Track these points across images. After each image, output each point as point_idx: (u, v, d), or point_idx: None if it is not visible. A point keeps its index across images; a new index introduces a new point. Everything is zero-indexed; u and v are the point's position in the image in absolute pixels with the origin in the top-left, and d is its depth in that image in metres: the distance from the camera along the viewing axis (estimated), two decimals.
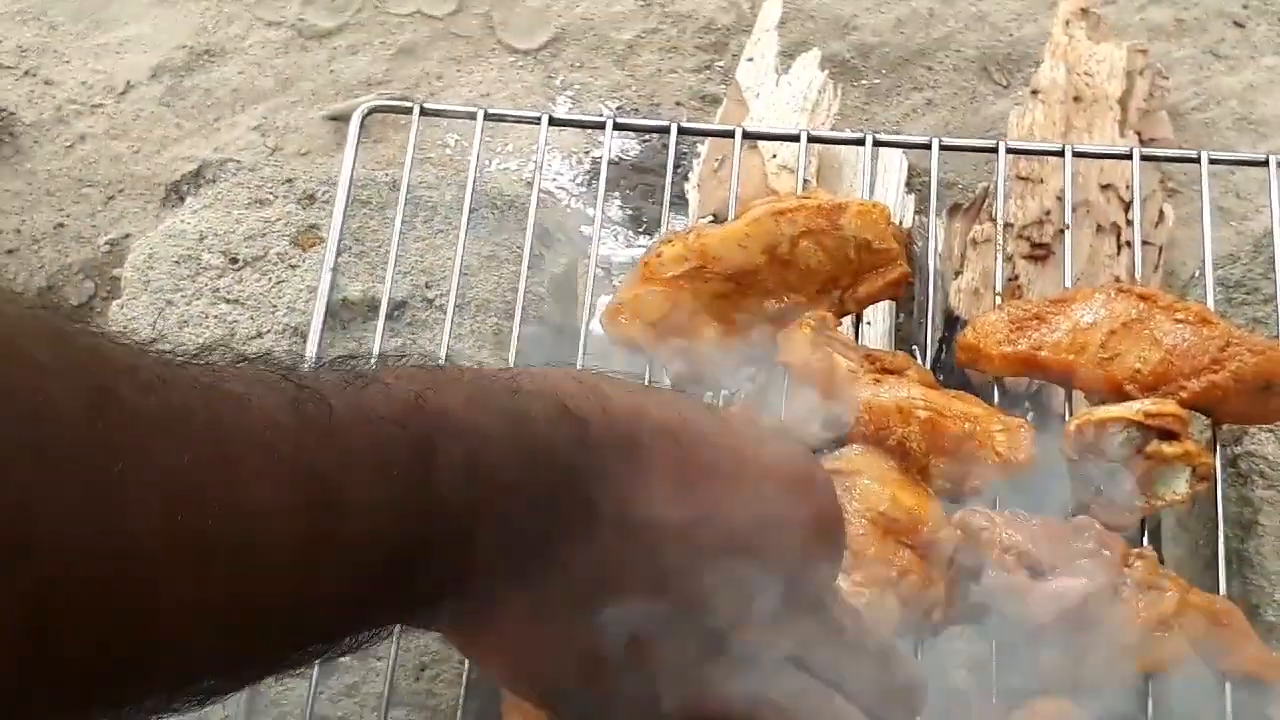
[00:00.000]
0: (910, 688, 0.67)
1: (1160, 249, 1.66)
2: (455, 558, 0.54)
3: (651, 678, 0.59)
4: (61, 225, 1.90)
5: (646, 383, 1.23)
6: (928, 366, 1.23)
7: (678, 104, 2.05)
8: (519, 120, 1.40)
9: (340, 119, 1.97)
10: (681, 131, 1.33)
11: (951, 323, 1.61)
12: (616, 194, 1.93)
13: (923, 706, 0.67)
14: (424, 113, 1.34)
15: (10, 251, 1.88)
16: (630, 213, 1.92)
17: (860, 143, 1.34)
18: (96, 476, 0.41)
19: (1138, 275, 1.26)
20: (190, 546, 0.44)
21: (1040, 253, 1.62)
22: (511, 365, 1.21)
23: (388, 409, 0.52)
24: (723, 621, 0.59)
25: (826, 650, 0.63)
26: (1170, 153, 1.37)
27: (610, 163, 1.31)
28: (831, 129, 1.84)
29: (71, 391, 0.41)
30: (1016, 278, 1.61)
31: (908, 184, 1.77)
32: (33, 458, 0.39)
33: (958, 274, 1.65)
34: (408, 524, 0.51)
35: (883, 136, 1.37)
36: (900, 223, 1.74)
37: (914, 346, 1.56)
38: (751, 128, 1.40)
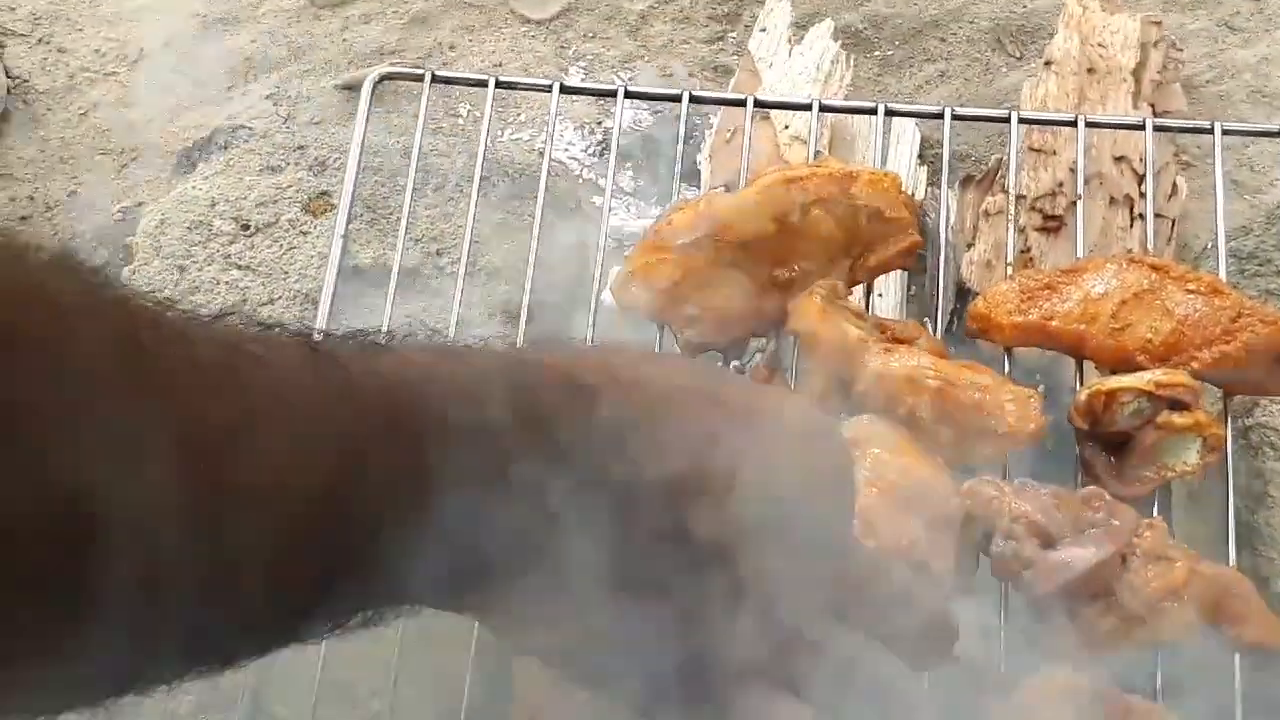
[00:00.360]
0: (942, 626, 0.67)
1: (1173, 222, 1.66)
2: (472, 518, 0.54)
3: (669, 628, 0.59)
4: (75, 193, 1.90)
5: (658, 348, 1.23)
6: (939, 338, 1.23)
7: (691, 75, 2.04)
8: (530, 88, 1.40)
9: (353, 88, 1.96)
10: (693, 100, 1.33)
11: (963, 294, 1.60)
12: (629, 165, 1.92)
13: (955, 643, 0.68)
14: (435, 80, 1.34)
15: (24, 219, 1.88)
16: (642, 184, 1.92)
17: (873, 112, 1.34)
18: (121, 424, 0.41)
19: (1150, 248, 1.26)
20: (209, 498, 0.44)
21: (1053, 224, 1.61)
22: (522, 333, 1.21)
23: (401, 376, 0.52)
24: (744, 572, 0.59)
25: (853, 596, 0.63)
26: (1184, 123, 1.37)
27: (622, 133, 1.31)
28: (844, 100, 1.84)
29: (99, 339, 0.42)
30: (1029, 249, 1.61)
31: (920, 156, 1.76)
32: (60, 402, 0.40)
33: (970, 246, 1.65)
34: (422, 493, 0.51)
35: (895, 106, 1.37)
36: (912, 194, 1.74)
37: (925, 319, 1.56)
38: (763, 97, 1.39)
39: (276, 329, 0.52)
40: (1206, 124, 1.29)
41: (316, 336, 0.53)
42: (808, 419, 0.65)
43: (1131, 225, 1.64)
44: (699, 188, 1.77)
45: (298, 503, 0.47)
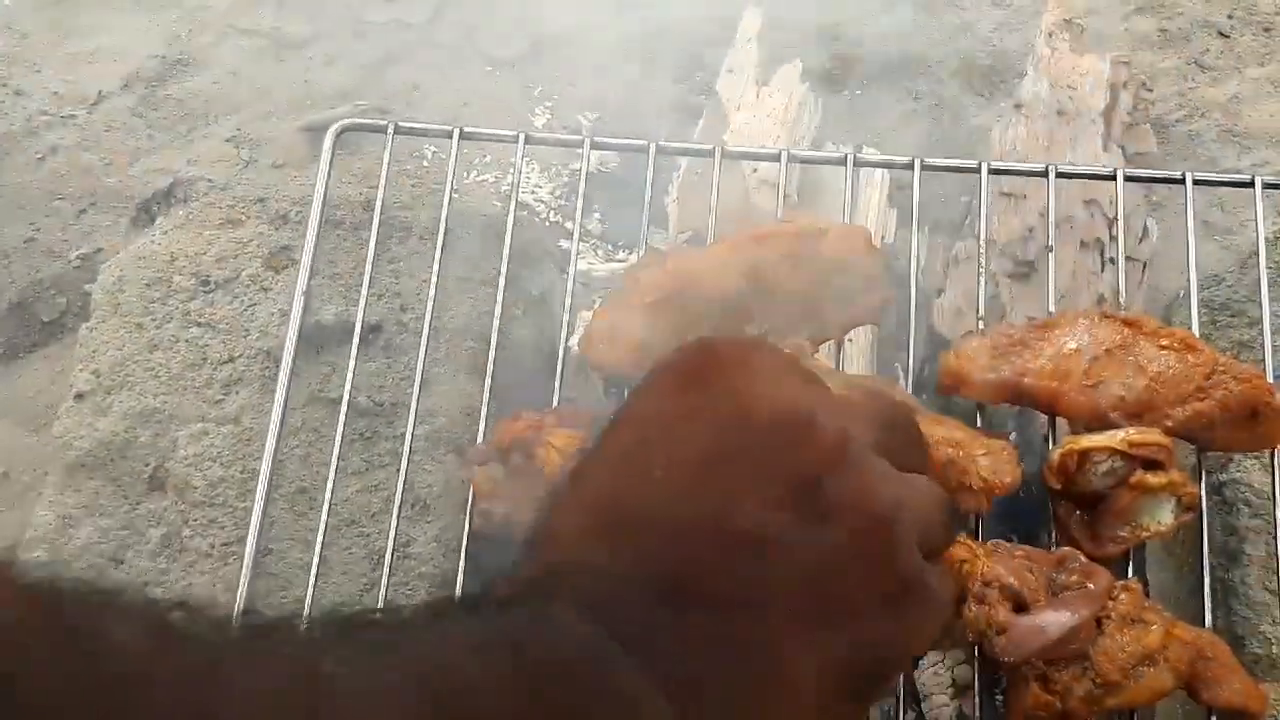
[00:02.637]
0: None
1: (1144, 265, 1.65)
2: None
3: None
4: (32, 239, 1.88)
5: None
6: (910, 386, 1.22)
7: (658, 115, 2.03)
8: (495, 139, 1.38)
9: (316, 130, 1.94)
10: (659, 151, 1.32)
11: (935, 341, 1.59)
12: (597, 207, 1.91)
13: None
14: (398, 131, 1.32)
15: None
16: (610, 226, 1.90)
17: (841, 162, 1.33)
18: None
19: (1121, 293, 1.24)
20: None
21: (1023, 270, 1.60)
22: (487, 391, 1.19)
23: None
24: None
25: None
26: (1154, 173, 1.36)
27: (590, 175, 1.29)
28: (813, 142, 1.83)
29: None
30: (999, 296, 1.60)
31: (890, 198, 1.75)
32: None
33: (940, 292, 1.64)
34: None
35: (863, 157, 1.36)
36: (882, 238, 1.73)
37: (896, 366, 1.55)
38: (731, 146, 1.38)
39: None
40: (1177, 174, 1.28)
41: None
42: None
43: (1102, 269, 1.63)
44: (667, 229, 1.76)
45: None
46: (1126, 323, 1.16)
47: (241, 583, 1.16)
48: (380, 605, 1.13)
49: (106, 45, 2.13)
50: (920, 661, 1.37)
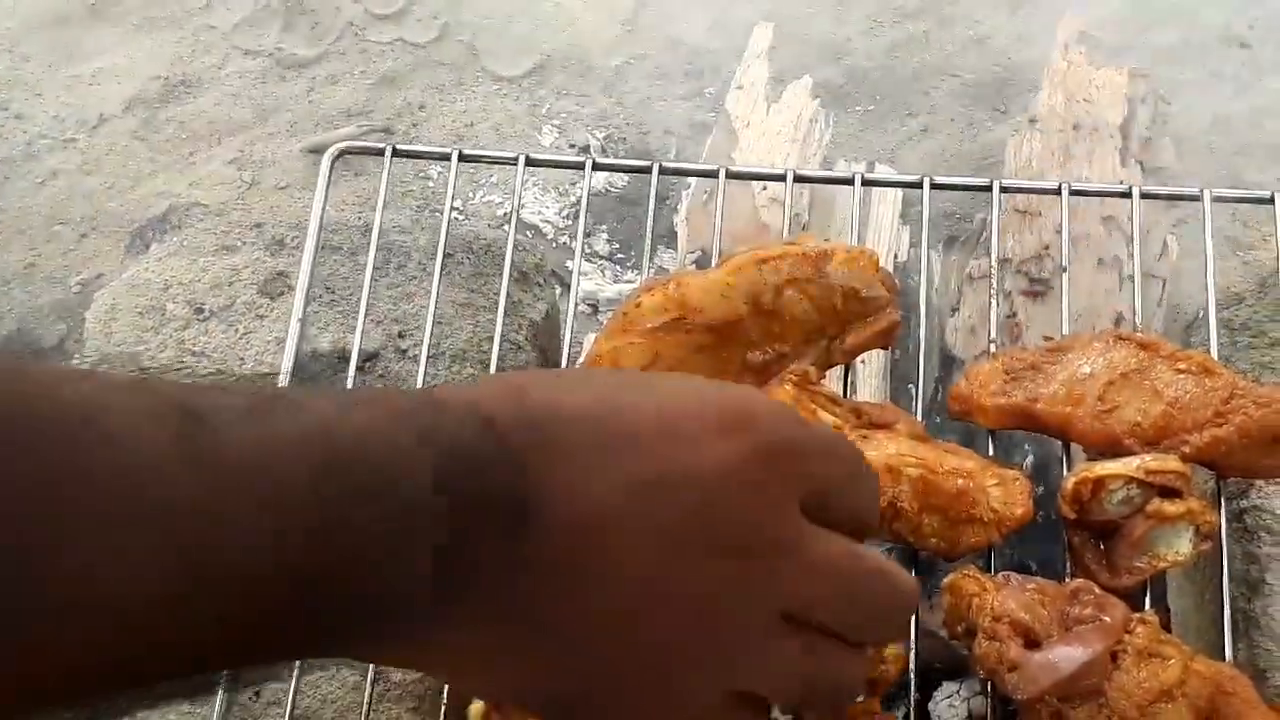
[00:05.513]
0: (900, 599, 0.64)
1: (1164, 282, 1.61)
2: (367, 584, 0.51)
3: (641, 665, 0.58)
4: (32, 265, 1.86)
5: None
6: (923, 406, 1.19)
7: (667, 132, 2.00)
8: (496, 161, 1.36)
9: (319, 151, 1.92)
10: (663, 171, 1.29)
11: (948, 362, 1.56)
12: (603, 227, 1.88)
13: (914, 608, 0.67)
14: (396, 154, 1.29)
15: None
16: (616, 246, 1.87)
17: (849, 182, 1.29)
18: None
19: (1138, 313, 1.21)
20: (36, 602, 0.43)
21: (1039, 288, 1.57)
22: None
23: (289, 434, 0.50)
24: (693, 589, 0.57)
25: (810, 590, 0.60)
26: (1172, 190, 1.32)
27: (596, 195, 1.27)
28: (824, 159, 1.80)
29: None
30: (1015, 315, 1.56)
31: (902, 215, 1.72)
32: None
33: (954, 311, 1.61)
34: (297, 556, 0.49)
35: (872, 176, 1.33)
36: (895, 257, 1.70)
37: (910, 386, 1.52)
38: (736, 167, 1.35)
39: (154, 384, 0.50)
40: (1195, 191, 1.24)
41: (206, 391, 0.50)
42: (726, 405, 0.60)
43: (1120, 287, 1.60)
44: (676, 250, 1.73)
45: (141, 600, 0.46)
46: (1142, 345, 1.13)
47: None
48: None
49: (108, 67, 2.12)
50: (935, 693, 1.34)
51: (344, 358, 1.25)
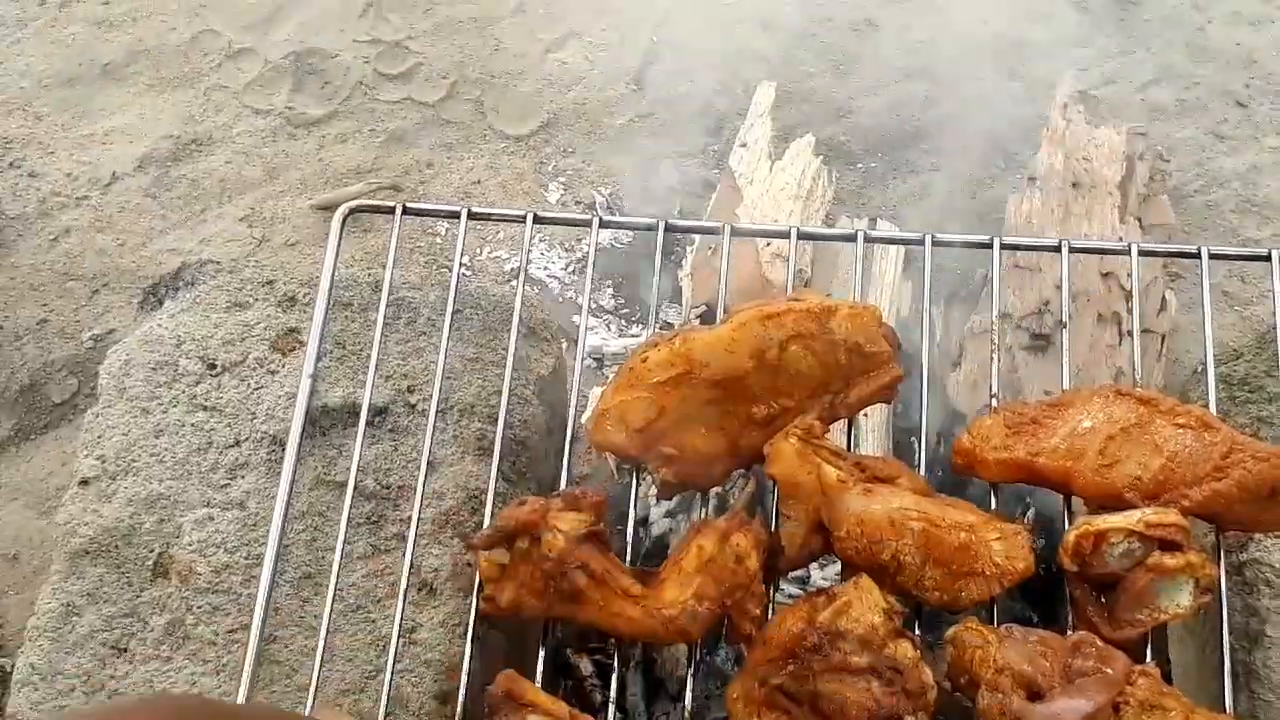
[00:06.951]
0: None
1: (1163, 337, 1.63)
2: None
3: None
4: (45, 320, 1.88)
5: (633, 491, 1.20)
6: (925, 460, 1.20)
7: (671, 189, 2.02)
8: (503, 219, 1.38)
9: (329, 208, 1.94)
10: (669, 229, 1.31)
11: (950, 417, 1.58)
12: (609, 282, 1.90)
13: None
14: (407, 211, 1.32)
15: None
16: (622, 301, 1.89)
17: (852, 239, 1.31)
18: None
19: (1138, 368, 1.23)
20: None
21: (1039, 343, 1.58)
22: (494, 473, 1.18)
23: None
24: None
25: None
26: (1169, 247, 1.34)
27: (602, 250, 1.28)
28: (826, 216, 1.82)
29: None
30: (1015, 369, 1.58)
31: (904, 271, 1.74)
32: None
33: (956, 365, 1.62)
34: None
35: (874, 233, 1.35)
36: (897, 311, 1.72)
37: (912, 439, 1.53)
38: (740, 224, 1.37)
39: None
40: (1192, 249, 1.26)
41: None
42: None
43: (1120, 342, 1.61)
44: (681, 305, 1.75)
45: None
46: (1142, 400, 1.15)
47: (245, 670, 1.14)
48: (386, 692, 1.12)
49: (120, 126, 2.14)
50: None
51: (354, 412, 1.26)
